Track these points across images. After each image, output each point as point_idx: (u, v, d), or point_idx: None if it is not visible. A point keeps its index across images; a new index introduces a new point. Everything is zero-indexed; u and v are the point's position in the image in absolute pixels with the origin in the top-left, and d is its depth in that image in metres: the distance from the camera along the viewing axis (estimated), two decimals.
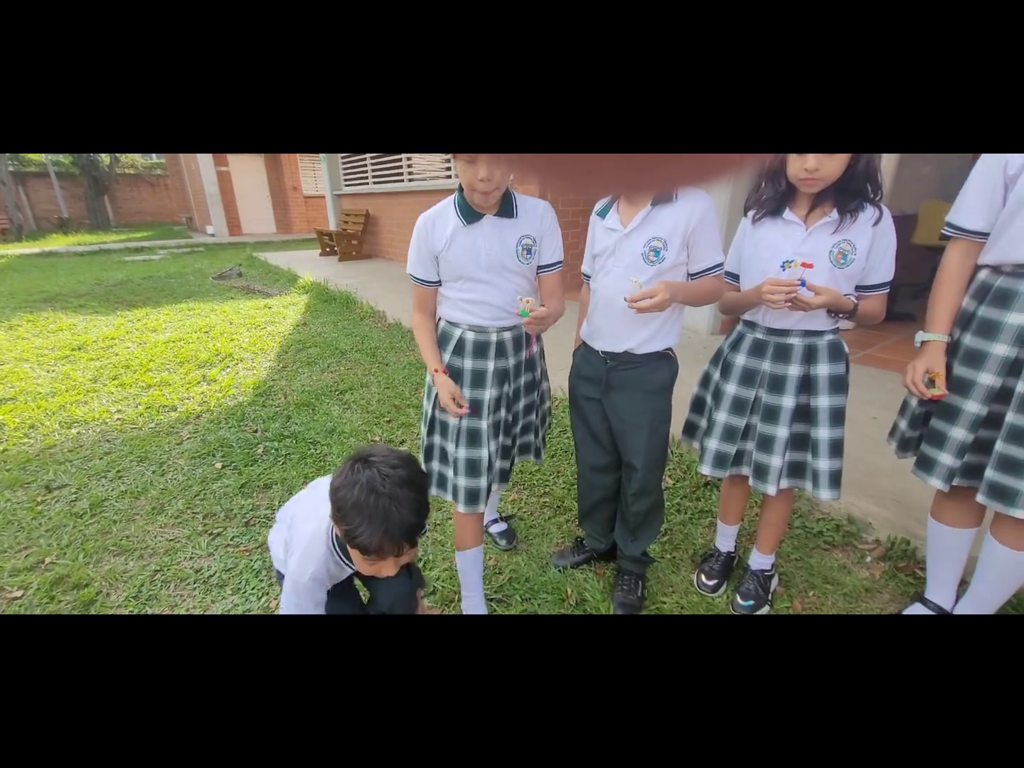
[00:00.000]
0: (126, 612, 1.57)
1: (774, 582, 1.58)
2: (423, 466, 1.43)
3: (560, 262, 1.35)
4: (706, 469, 1.43)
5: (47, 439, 2.59)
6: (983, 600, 1.32)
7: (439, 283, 1.34)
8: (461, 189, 1.25)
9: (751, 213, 1.29)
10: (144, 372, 3.47)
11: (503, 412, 1.38)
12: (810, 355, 1.26)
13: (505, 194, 1.24)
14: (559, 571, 1.69)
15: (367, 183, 7.95)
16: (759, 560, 1.56)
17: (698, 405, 1.51)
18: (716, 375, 1.42)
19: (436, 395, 1.34)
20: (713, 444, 1.40)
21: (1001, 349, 1.11)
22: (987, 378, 1.14)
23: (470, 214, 1.24)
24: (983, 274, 1.17)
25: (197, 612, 1.56)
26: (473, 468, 1.35)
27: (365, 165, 7.94)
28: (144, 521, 1.97)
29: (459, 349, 1.34)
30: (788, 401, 1.28)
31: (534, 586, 1.63)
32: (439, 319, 1.40)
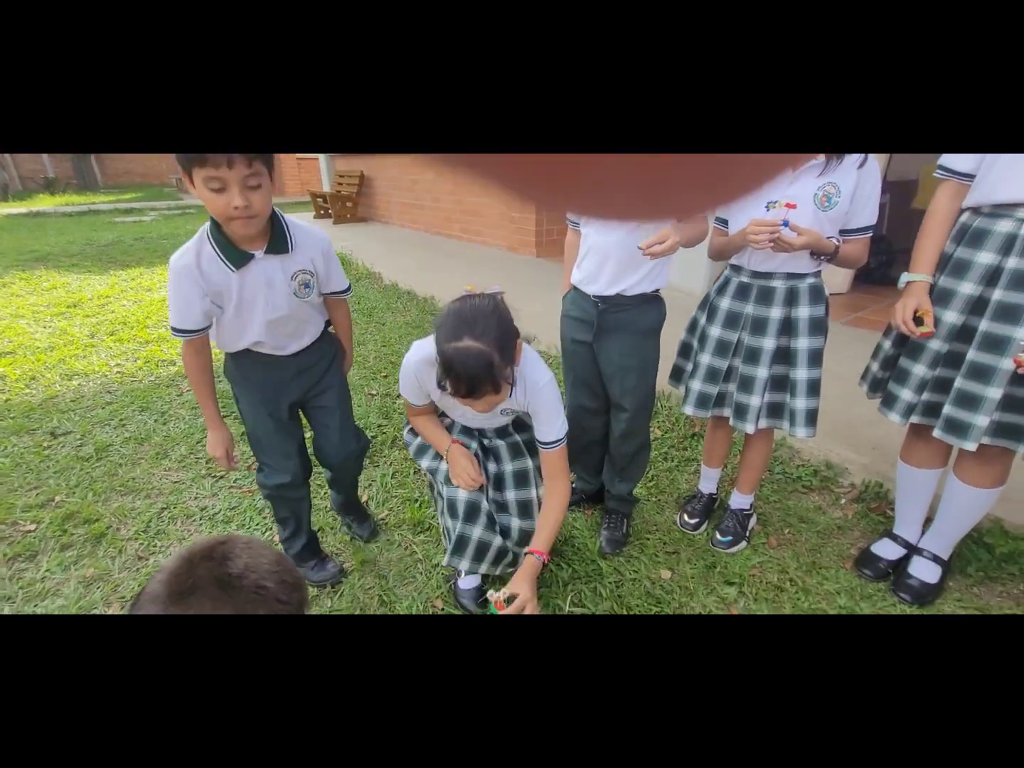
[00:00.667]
0: (136, 545, 1.64)
1: (752, 521, 1.66)
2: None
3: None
4: (689, 409, 1.49)
5: (49, 390, 2.63)
6: (945, 535, 1.41)
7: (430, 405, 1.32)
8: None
9: None
10: (141, 328, 3.49)
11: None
12: (792, 297, 1.30)
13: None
14: None
15: None
16: (739, 500, 1.64)
17: (685, 350, 1.56)
18: (702, 320, 1.47)
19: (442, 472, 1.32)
20: (696, 385, 1.46)
21: (967, 288, 1.16)
22: (951, 316, 1.19)
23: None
24: (964, 217, 1.20)
25: None
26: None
27: None
28: (149, 465, 2.04)
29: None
30: (769, 343, 1.34)
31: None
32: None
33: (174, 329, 1.15)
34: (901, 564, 1.46)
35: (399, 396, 2.57)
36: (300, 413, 1.44)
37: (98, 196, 13.41)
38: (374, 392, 2.62)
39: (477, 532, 1.28)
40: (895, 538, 1.51)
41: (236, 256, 1.10)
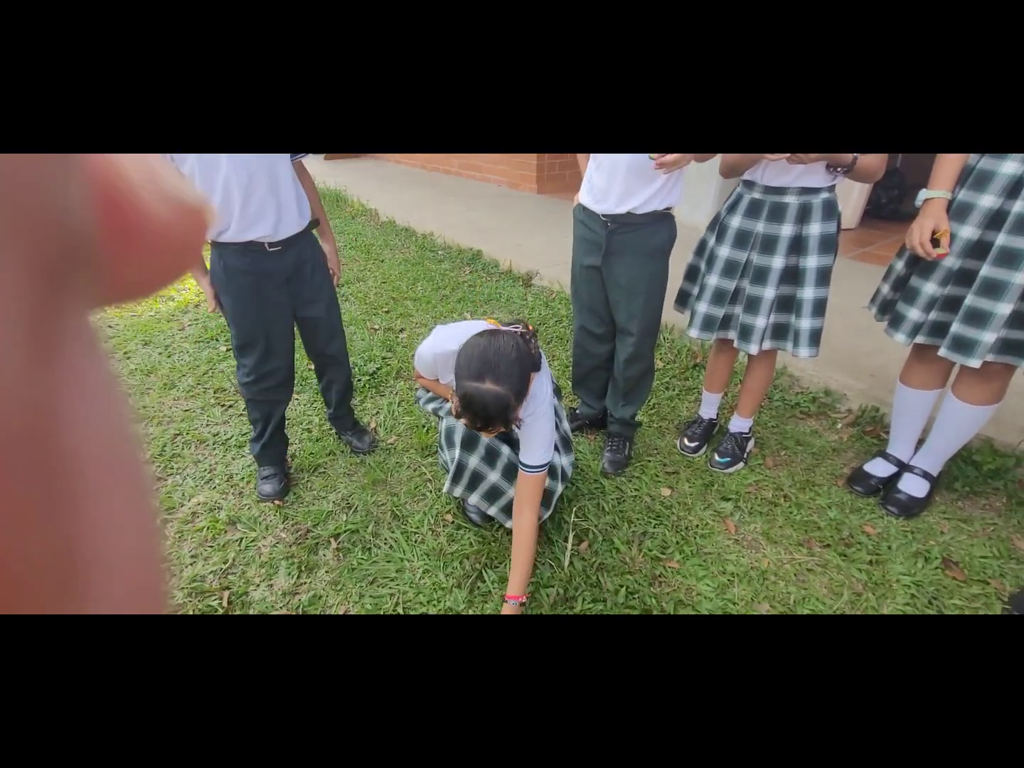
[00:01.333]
0: (153, 468, 1.69)
1: (750, 444, 1.72)
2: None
3: None
4: (694, 332, 1.50)
5: None
6: (937, 452, 1.46)
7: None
8: None
9: None
10: None
11: None
12: (804, 214, 1.28)
13: None
14: None
15: None
16: (738, 423, 1.68)
17: (692, 273, 1.55)
18: (711, 240, 1.45)
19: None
20: (703, 307, 1.46)
21: (987, 201, 1.14)
22: (968, 231, 1.18)
23: None
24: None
25: (219, 467, 1.70)
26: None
27: None
28: (158, 394, 2.06)
29: None
30: (778, 262, 1.33)
31: None
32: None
33: None
34: (891, 481, 1.53)
35: (401, 330, 2.57)
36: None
37: None
38: (376, 327, 2.61)
39: (474, 461, 1.29)
40: (887, 457, 1.57)
41: None
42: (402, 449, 1.78)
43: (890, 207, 3.82)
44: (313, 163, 7.03)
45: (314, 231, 1.45)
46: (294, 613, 1.25)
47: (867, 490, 1.53)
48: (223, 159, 1.18)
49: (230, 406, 2.00)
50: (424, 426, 1.87)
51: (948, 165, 1.20)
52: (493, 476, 1.31)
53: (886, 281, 1.41)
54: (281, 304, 1.39)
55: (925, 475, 1.48)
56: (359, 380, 2.13)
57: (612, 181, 1.31)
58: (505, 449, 1.33)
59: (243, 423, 1.90)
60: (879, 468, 1.56)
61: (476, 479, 1.31)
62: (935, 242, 1.21)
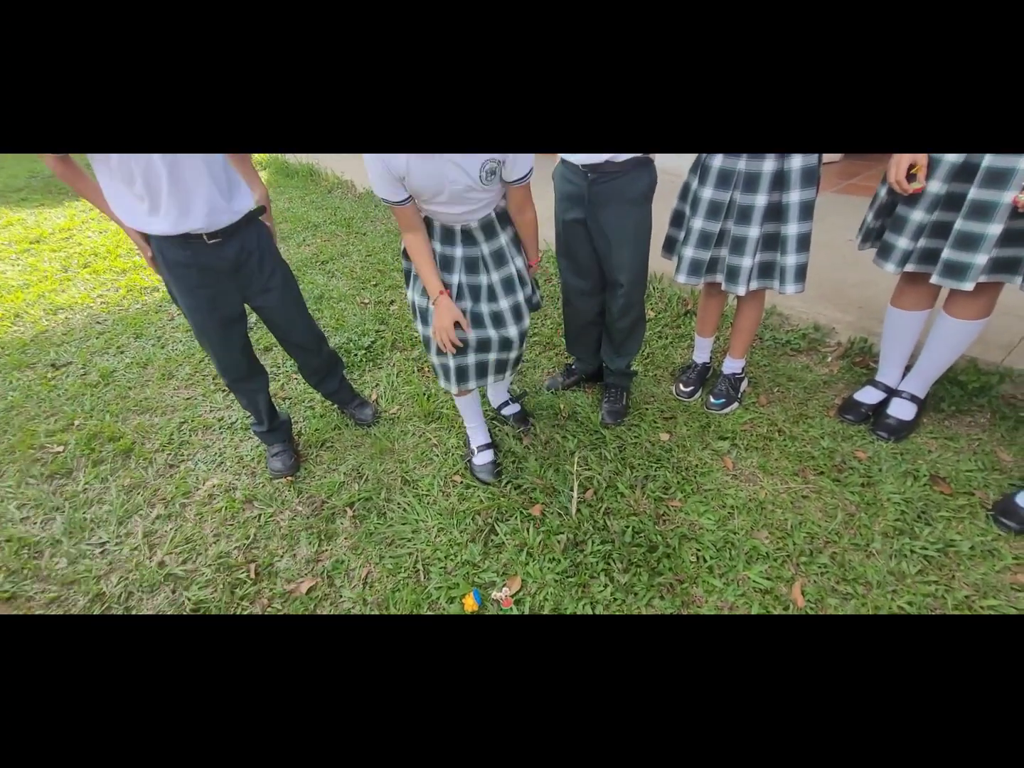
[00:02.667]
0: (165, 455, 1.73)
1: (743, 384, 1.76)
2: (432, 358, 1.36)
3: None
4: (682, 278, 1.51)
5: (37, 325, 2.59)
6: (925, 373, 1.50)
7: (411, 199, 1.18)
8: None
9: None
10: (114, 258, 3.36)
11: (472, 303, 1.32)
12: None
13: None
14: (551, 393, 1.85)
15: None
16: (731, 365, 1.72)
17: (677, 218, 1.55)
18: (694, 183, 1.45)
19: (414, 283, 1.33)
20: (689, 252, 1.47)
21: None
22: (953, 155, 1.18)
23: None
24: None
25: (228, 450, 1.73)
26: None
27: None
28: (158, 385, 2.08)
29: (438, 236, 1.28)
30: (761, 200, 1.33)
31: (529, 407, 1.80)
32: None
33: None
34: (881, 407, 1.58)
35: (392, 302, 2.57)
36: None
37: None
38: (367, 301, 2.60)
39: (453, 361, 1.30)
40: (876, 384, 1.61)
41: None
42: (405, 418, 1.82)
43: None
44: None
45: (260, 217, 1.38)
46: (319, 583, 1.31)
47: (858, 418, 1.59)
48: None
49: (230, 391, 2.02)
50: (425, 393, 1.90)
51: None
52: (471, 359, 1.32)
53: (871, 210, 1.41)
54: (229, 295, 1.34)
55: (913, 398, 1.53)
56: (355, 355, 2.15)
57: None
58: (472, 335, 1.29)
59: None
60: (869, 396, 1.60)
61: (463, 373, 1.34)
62: (911, 177, 1.22)
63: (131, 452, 1.75)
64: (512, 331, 1.33)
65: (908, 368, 1.57)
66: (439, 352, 1.31)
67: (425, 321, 1.32)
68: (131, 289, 2.92)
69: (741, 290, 1.45)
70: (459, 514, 1.44)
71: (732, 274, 1.45)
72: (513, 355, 1.39)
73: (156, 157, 1.11)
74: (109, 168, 1.13)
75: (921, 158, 1.20)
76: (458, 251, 1.29)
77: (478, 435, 1.58)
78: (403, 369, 2.07)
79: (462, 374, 1.34)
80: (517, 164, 1.15)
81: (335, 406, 1.85)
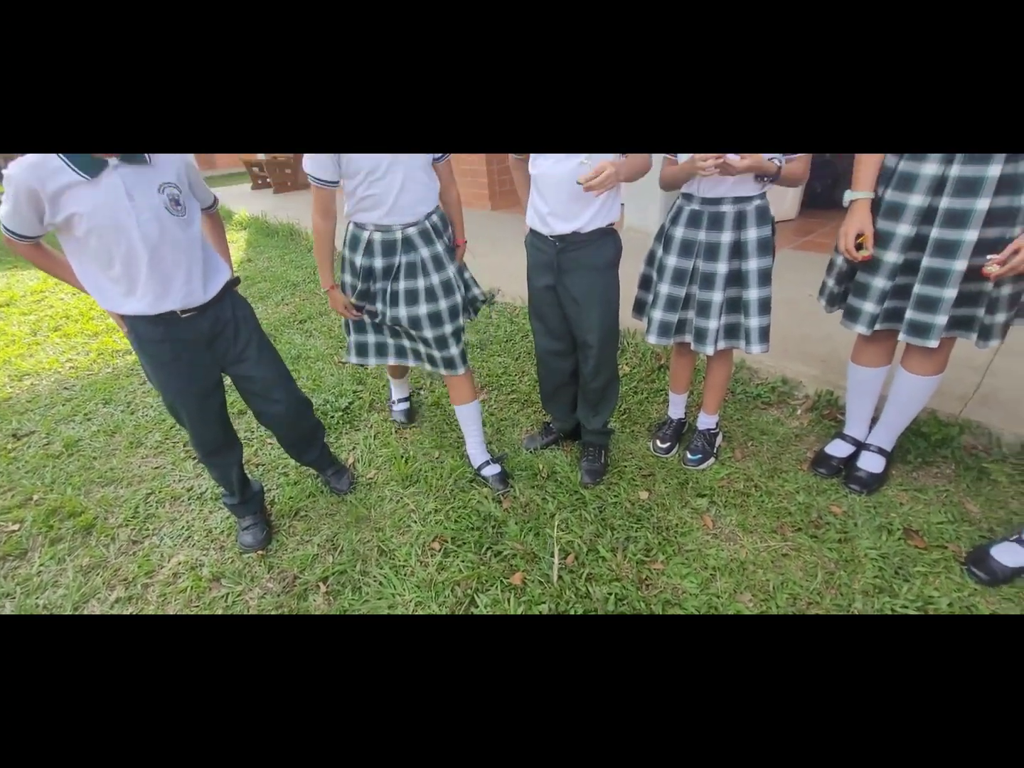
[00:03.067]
0: (128, 531, 1.65)
1: (719, 438, 1.79)
2: (353, 341, 1.69)
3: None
4: (652, 339, 1.56)
5: (1, 392, 2.52)
6: (890, 426, 1.55)
7: (337, 183, 1.39)
8: None
9: None
10: (86, 321, 3.32)
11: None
12: (740, 221, 1.37)
13: None
14: (530, 452, 1.85)
15: None
16: (705, 420, 1.75)
17: (645, 282, 1.62)
18: (659, 251, 1.52)
19: (351, 292, 1.55)
20: (658, 315, 1.53)
21: (916, 199, 1.22)
22: (904, 228, 1.26)
23: None
24: None
25: (197, 523, 1.67)
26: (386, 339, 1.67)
27: None
28: (125, 455, 2.01)
29: (368, 250, 1.48)
30: (722, 267, 1.40)
31: (508, 467, 1.79)
32: (348, 224, 1.51)
33: (6, 229, 1.10)
34: (851, 460, 1.61)
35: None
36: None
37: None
38: (345, 360, 2.60)
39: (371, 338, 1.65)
40: (845, 438, 1.66)
41: (85, 162, 1.03)
42: (382, 482, 1.79)
43: (825, 195, 4.03)
44: (263, 197, 6.96)
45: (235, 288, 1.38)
46: None
47: (830, 471, 1.62)
48: (133, 231, 1.10)
49: None
50: (403, 456, 1.88)
51: (867, 167, 1.29)
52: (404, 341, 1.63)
53: (829, 275, 1.49)
54: (204, 367, 1.32)
55: (880, 451, 1.58)
56: (332, 417, 2.13)
57: (555, 206, 1.38)
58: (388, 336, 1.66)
59: None
60: (839, 449, 1.64)
61: (381, 348, 1.68)
62: (859, 246, 1.29)
63: (92, 528, 1.66)
64: (447, 328, 1.54)
65: (875, 419, 1.63)
66: (358, 330, 1.65)
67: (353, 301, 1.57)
68: (102, 352, 2.87)
69: (710, 350, 1.50)
70: (437, 586, 1.39)
71: (700, 335, 1.50)
72: (454, 351, 1.58)
73: (137, 241, 1.11)
74: (84, 250, 1.12)
75: (866, 227, 1.29)
76: (400, 259, 1.48)
77: (398, 392, 2.05)
78: (380, 431, 2.05)
79: (380, 350, 1.67)
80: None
81: (310, 471, 1.81)
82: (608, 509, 1.60)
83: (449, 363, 1.58)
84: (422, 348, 1.59)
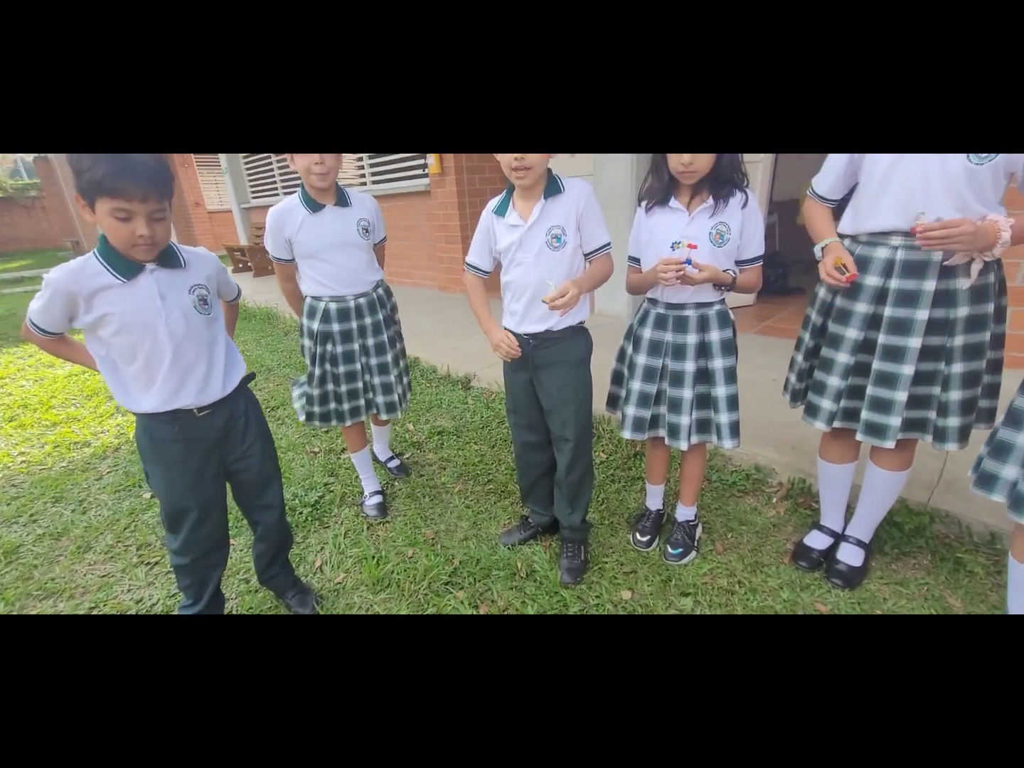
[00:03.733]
0: None
1: (699, 530, 1.77)
2: (316, 409, 1.86)
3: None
4: (627, 433, 1.58)
5: None
6: (866, 518, 1.57)
7: (294, 260, 1.72)
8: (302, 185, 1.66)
9: (643, 203, 1.45)
10: (46, 410, 3.20)
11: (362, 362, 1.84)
12: (703, 324, 1.44)
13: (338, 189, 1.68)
14: (508, 548, 1.79)
15: (277, 193, 7.67)
16: (684, 512, 1.74)
17: (617, 378, 1.66)
18: (629, 349, 1.58)
19: (313, 356, 1.77)
20: (631, 411, 1.56)
21: (862, 307, 1.31)
22: (853, 332, 1.34)
23: (313, 204, 1.64)
24: (846, 243, 1.36)
25: None
26: (353, 395, 1.86)
27: (272, 174, 7.65)
28: (70, 561, 1.86)
29: (325, 318, 1.73)
30: (689, 366, 1.46)
31: (486, 566, 1.72)
32: (305, 297, 1.78)
33: (32, 323, 1.15)
34: (831, 551, 1.61)
35: (343, 451, 2.51)
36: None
37: None
38: (317, 450, 2.54)
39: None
40: (822, 529, 1.66)
41: (124, 267, 1.10)
42: (351, 587, 1.68)
43: (778, 283, 4.35)
44: (243, 281, 7.10)
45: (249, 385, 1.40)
46: None
47: (811, 564, 1.60)
48: (161, 328, 1.13)
49: (156, 563, 1.83)
50: (374, 557, 1.78)
51: (818, 223, 1.40)
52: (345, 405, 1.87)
53: (792, 371, 1.56)
54: (212, 465, 1.30)
55: (859, 543, 1.58)
56: (300, 513, 2.03)
57: (528, 308, 1.45)
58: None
59: (170, 581, 1.73)
60: (817, 541, 1.64)
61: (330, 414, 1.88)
62: (842, 269, 1.28)
63: None
64: (394, 373, 1.89)
65: (851, 508, 1.64)
66: (308, 401, 1.86)
67: (314, 363, 1.78)
68: (59, 444, 2.74)
69: (683, 445, 1.52)
70: None
71: (673, 431, 1.53)
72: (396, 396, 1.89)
73: (164, 337, 1.15)
74: (109, 346, 1.15)
75: (844, 254, 1.29)
76: (352, 324, 1.76)
77: (371, 485, 2.08)
78: (351, 528, 1.96)
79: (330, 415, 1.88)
80: (379, 228, 1.82)
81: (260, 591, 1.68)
82: (590, 612, 1.53)
83: (391, 407, 1.89)
84: (379, 397, 1.88)
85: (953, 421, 1.29)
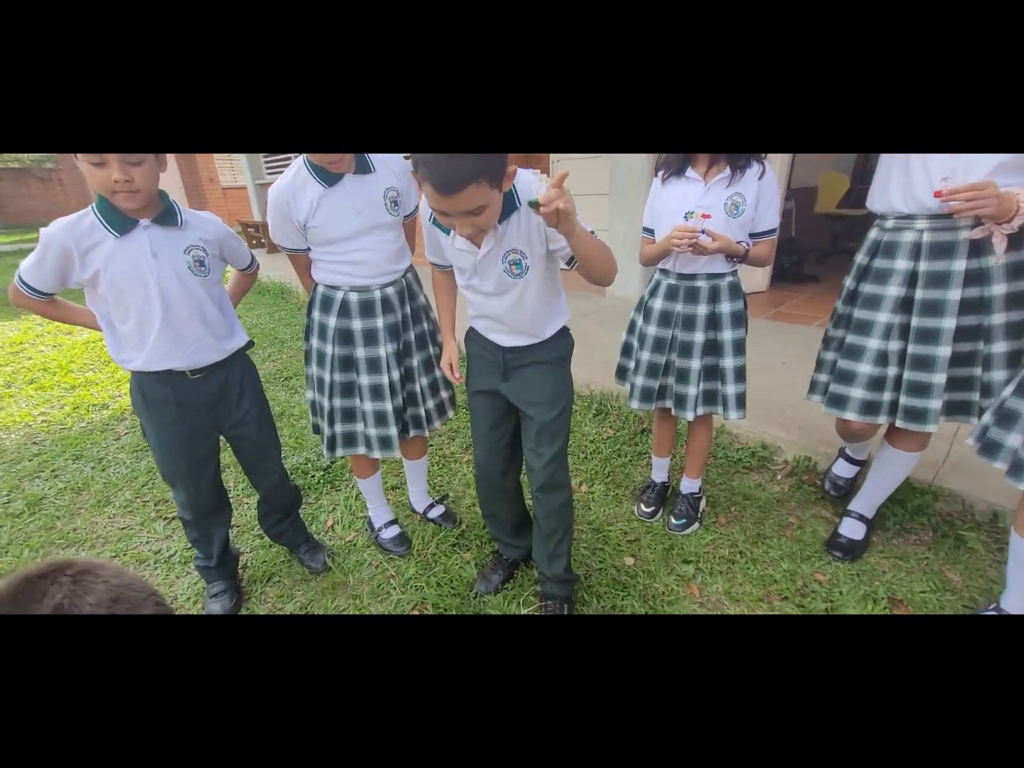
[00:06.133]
0: None
1: (702, 503, 1.80)
2: (327, 430, 1.46)
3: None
4: (635, 404, 1.60)
5: None
6: (872, 496, 1.56)
7: (308, 249, 1.35)
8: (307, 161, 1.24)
9: (660, 173, 1.46)
10: (65, 373, 3.27)
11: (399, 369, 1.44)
12: (714, 295, 1.45)
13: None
14: (492, 595, 1.50)
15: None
16: (688, 485, 1.77)
17: (626, 349, 1.68)
18: (639, 320, 1.60)
19: (329, 360, 1.39)
20: (639, 381, 1.58)
21: (892, 291, 1.28)
22: (884, 316, 1.28)
23: (326, 175, 1.23)
24: (873, 232, 1.34)
25: (163, 587, 1.58)
26: (381, 419, 1.44)
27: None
28: (90, 514, 1.92)
29: (344, 311, 1.37)
30: (699, 337, 1.48)
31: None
32: (316, 284, 1.40)
33: (21, 282, 1.12)
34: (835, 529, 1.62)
35: None
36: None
37: None
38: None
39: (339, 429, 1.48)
40: (849, 514, 1.61)
41: (119, 222, 1.09)
42: (362, 546, 1.73)
43: (792, 270, 4.31)
44: (256, 256, 7.12)
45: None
46: None
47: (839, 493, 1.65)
48: (152, 287, 1.13)
49: (173, 518, 1.89)
50: None
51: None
52: (359, 427, 1.48)
53: (820, 369, 1.53)
54: (205, 431, 1.33)
55: (861, 518, 1.60)
56: (312, 476, 2.09)
57: (501, 333, 1.25)
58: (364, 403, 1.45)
59: None
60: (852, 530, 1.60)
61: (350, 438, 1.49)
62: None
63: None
64: (437, 373, 1.55)
65: (856, 488, 1.65)
66: (330, 422, 1.46)
67: (322, 391, 1.44)
68: (78, 406, 2.81)
69: (690, 416, 1.54)
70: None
71: (680, 401, 1.55)
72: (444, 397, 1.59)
73: (155, 297, 1.15)
74: (103, 303, 1.16)
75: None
76: (379, 321, 1.38)
77: (382, 514, 1.74)
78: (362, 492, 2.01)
79: (349, 440, 1.49)
80: (411, 196, 1.40)
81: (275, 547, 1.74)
82: (594, 575, 1.57)
83: (441, 410, 1.59)
84: (429, 401, 1.53)
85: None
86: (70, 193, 15.90)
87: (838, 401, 1.40)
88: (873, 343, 1.32)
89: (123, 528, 1.85)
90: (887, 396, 1.34)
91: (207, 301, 1.24)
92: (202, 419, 1.30)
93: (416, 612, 1.46)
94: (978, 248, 1.19)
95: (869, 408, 1.35)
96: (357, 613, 1.46)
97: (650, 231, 1.52)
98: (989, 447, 1.13)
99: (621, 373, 1.72)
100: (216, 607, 1.46)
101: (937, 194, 1.13)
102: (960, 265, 1.20)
